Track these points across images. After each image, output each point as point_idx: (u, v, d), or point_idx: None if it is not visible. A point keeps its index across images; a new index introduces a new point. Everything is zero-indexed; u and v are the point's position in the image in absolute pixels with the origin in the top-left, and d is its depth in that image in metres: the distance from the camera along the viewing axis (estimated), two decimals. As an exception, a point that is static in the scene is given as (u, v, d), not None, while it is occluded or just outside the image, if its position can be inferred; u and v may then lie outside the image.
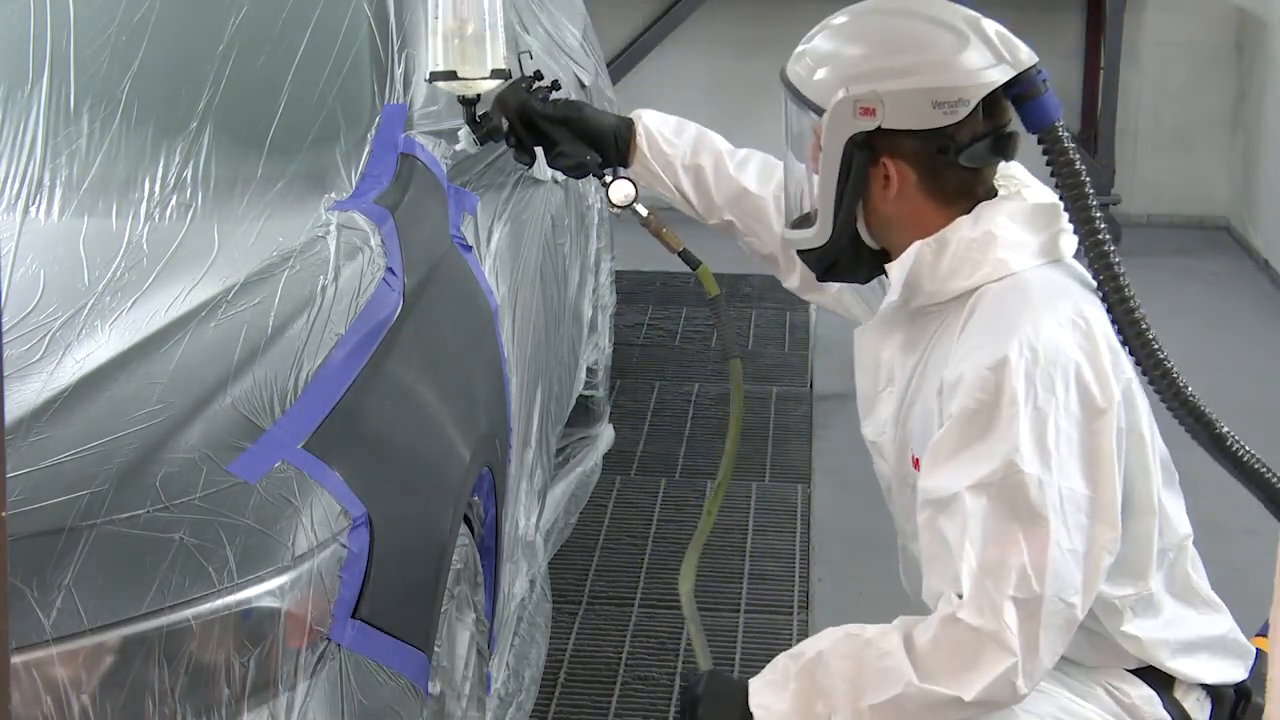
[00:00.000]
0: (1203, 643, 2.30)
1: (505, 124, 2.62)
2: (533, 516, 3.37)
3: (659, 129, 2.66)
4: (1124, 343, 2.18)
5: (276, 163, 2.79)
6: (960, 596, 2.09)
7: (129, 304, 2.37)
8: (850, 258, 2.30)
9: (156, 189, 2.73)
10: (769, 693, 2.22)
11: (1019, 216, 2.22)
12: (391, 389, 2.43)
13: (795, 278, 2.64)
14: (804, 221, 2.33)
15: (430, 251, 2.75)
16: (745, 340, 5.84)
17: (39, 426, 2.09)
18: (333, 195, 2.72)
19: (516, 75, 2.63)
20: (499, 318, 2.96)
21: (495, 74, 2.57)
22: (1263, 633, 2.39)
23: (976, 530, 2.09)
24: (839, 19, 2.29)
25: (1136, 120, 7.45)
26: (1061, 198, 2.21)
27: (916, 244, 2.22)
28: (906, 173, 2.22)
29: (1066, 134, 2.21)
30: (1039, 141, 2.22)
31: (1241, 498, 2.33)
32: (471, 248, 2.92)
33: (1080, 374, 2.12)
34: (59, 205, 2.70)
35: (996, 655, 2.07)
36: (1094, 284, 2.21)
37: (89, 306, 2.35)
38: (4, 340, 2.13)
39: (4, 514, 1.34)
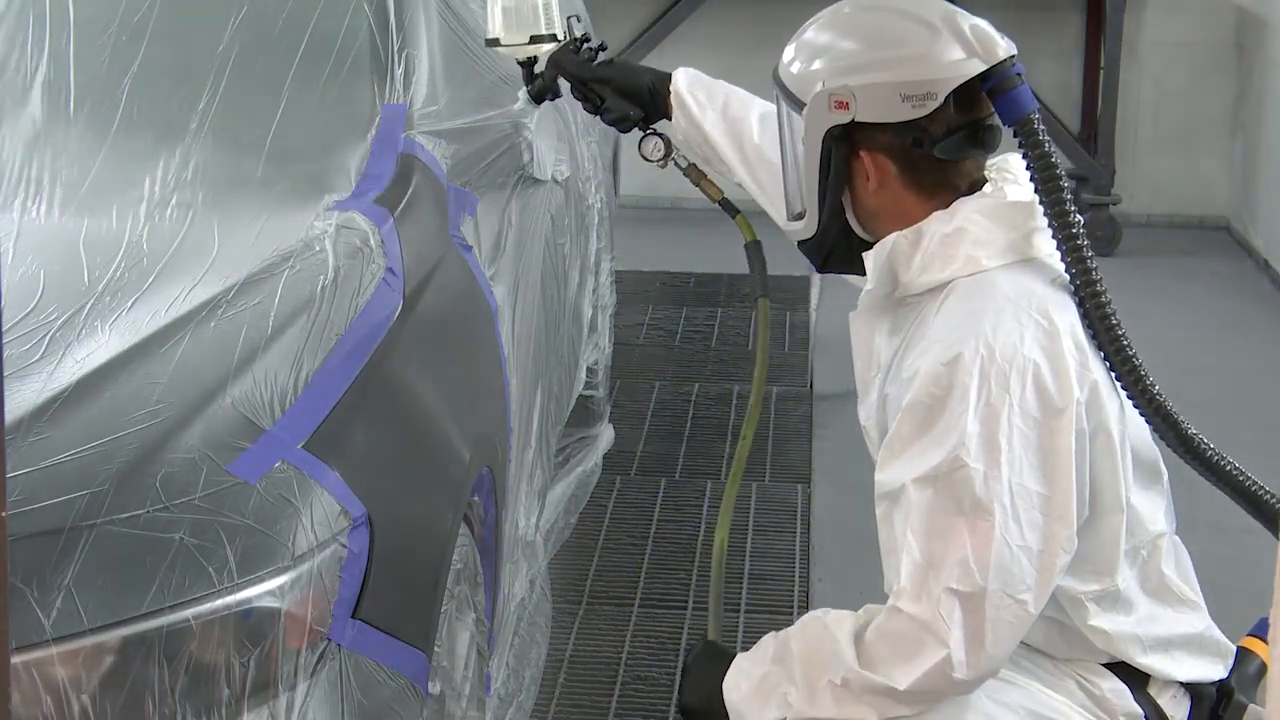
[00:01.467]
0: (1178, 640, 2.30)
1: (560, 82, 2.85)
2: (533, 516, 3.38)
3: (690, 89, 2.77)
4: (1093, 338, 2.19)
5: (276, 163, 2.79)
6: (898, 585, 2.12)
7: (129, 304, 2.37)
8: (844, 249, 2.33)
9: (156, 189, 2.73)
10: (745, 666, 2.28)
11: (992, 212, 2.23)
12: (391, 389, 2.43)
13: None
14: (800, 215, 2.37)
15: (430, 251, 2.75)
16: (745, 340, 5.84)
17: (39, 426, 2.09)
18: (333, 195, 2.72)
19: (564, 38, 2.86)
20: (499, 318, 2.96)
21: (547, 38, 2.83)
22: (1256, 633, 2.38)
23: (919, 522, 2.11)
24: (823, 15, 2.34)
25: (1136, 120, 7.45)
26: (1036, 190, 2.22)
27: (893, 235, 2.25)
28: (885, 165, 2.24)
29: (1042, 127, 2.22)
30: (1014, 135, 2.23)
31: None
32: (471, 248, 2.92)
33: (1038, 373, 2.12)
34: (59, 205, 2.70)
35: (931, 646, 2.08)
36: (1068, 283, 2.22)
37: (89, 306, 2.35)
38: (4, 340, 2.13)
39: (4, 514, 1.34)
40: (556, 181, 3.62)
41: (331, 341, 2.35)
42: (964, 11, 2.27)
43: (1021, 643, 2.19)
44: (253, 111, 2.88)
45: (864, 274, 2.37)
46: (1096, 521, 2.18)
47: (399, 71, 2.98)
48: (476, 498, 2.72)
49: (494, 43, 2.85)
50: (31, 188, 2.73)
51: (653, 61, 7.51)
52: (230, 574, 2.00)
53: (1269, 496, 2.25)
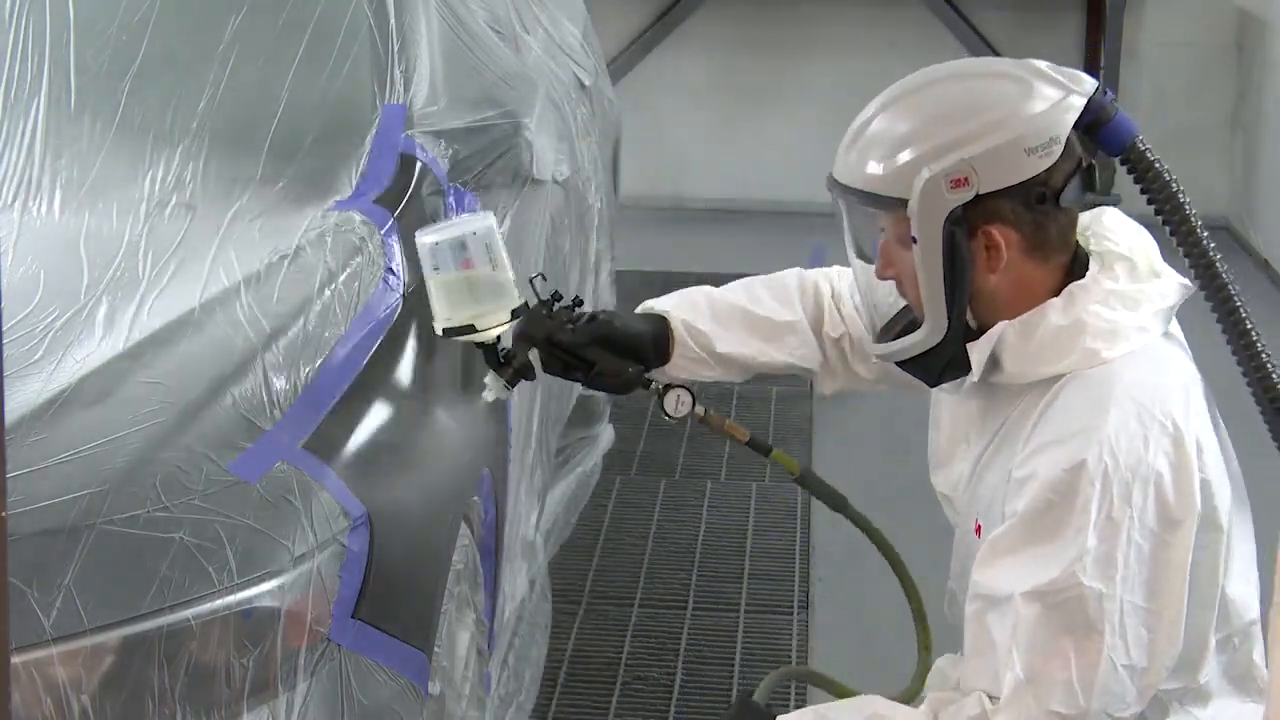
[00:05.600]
0: None
1: (534, 358, 2.40)
2: (533, 517, 3.37)
3: (690, 320, 2.47)
4: (1239, 363, 2.09)
5: (276, 163, 2.79)
6: (993, 699, 2.04)
7: (129, 304, 2.37)
8: (962, 351, 2.14)
9: (156, 189, 2.73)
10: None
11: (1112, 300, 2.11)
12: (391, 389, 2.43)
13: (836, 383, 2.54)
14: (899, 329, 2.22)
15: (430, 251, 2.75)
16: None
17: (39, 426, 2.09)
18: (333, 195, 2.72)
19: (530, 301, 2.40)
20: (499, 318, 2.96)
21: (513, 314, 2.35)
22: None
23: (1025, 637, 2.01)
24: (877, 108, 2.15)
25: (1136, 120, 7.45)
26: (1158, 212, 2.11)
27: (1001, 325, 2.11)
28: (1010, 236, 2.09)
29: (1149, 149, 2.09)
30: (1122, 163, 2.11)
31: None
32: (471, 248, 2.92)
33: (1160, 484, 2.02)
34: (59, 205, 2.70)
35: None
36: (1190, 361, 2.13)
37: (89, 306, 2.35)
38: (4, 340, 2.13)
39: (4, 514, 1.33)
40: (556, 182, 3.62)
41: (331, 341, 2.35)
42: (1023, 60, 2.15)
43: None
44: (253, 111, 2.88)
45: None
46: (1188, 619, 2.08)
47: (399, 71, 2.97)
48: (476, 498, 2.71)
49: (450, 333, 2.33)
50: (31, 187, 2.73)
51: (653, 61, 7.53)
52: (230, 574, 2.00)
53: None
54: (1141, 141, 2.10)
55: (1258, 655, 2.20)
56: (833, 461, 4.76)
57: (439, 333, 2.34)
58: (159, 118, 2.86)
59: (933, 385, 2.25)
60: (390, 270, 2.55)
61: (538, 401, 3.34)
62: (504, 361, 2.37)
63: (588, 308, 2.46)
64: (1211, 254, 2.10)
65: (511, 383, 2.38)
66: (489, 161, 3.12)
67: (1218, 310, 2.11)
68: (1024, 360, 2.11)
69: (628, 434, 4.91)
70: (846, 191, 2.14)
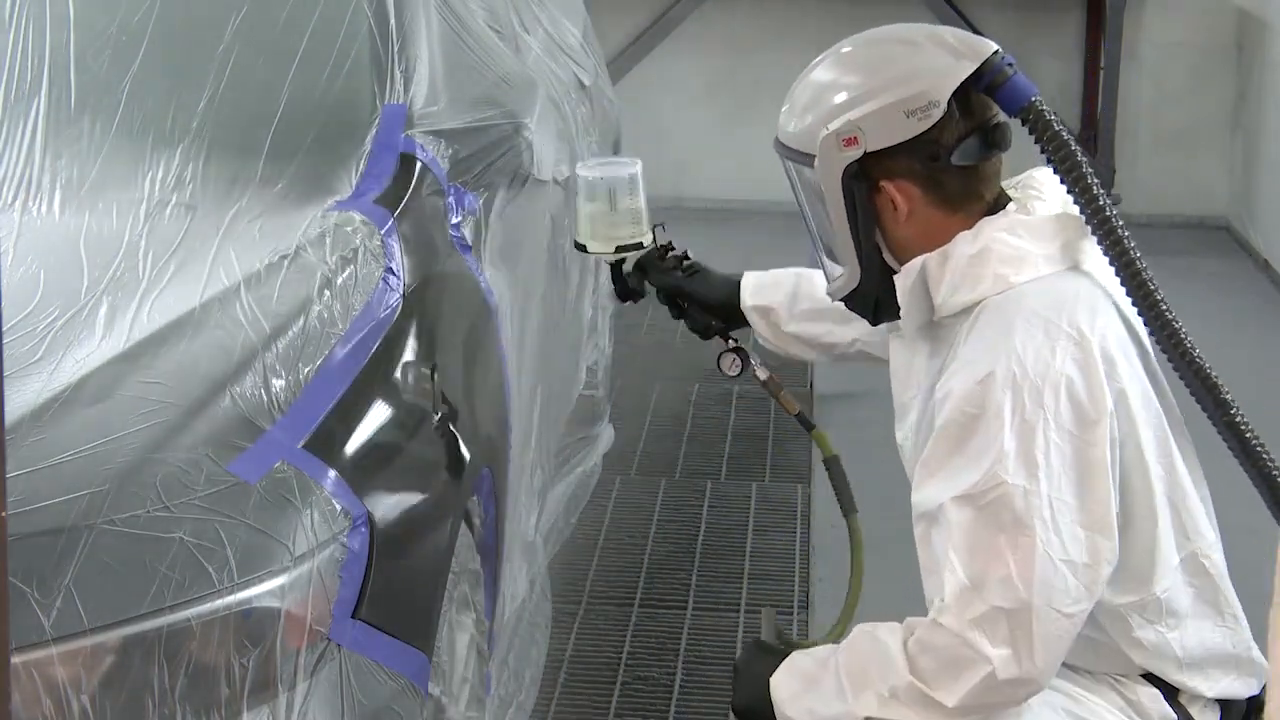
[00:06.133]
0: (1215, 659, 2.29)
1: (647, 287, 2.86)
2: (533, 517, 3.37)
3: (755, 297, 2.80)
4: (1134, 304, 2.17)
5: (276, 163, 2.79)
6: (941, 601, 2.13)
7: (129, 304, 2.37)
8: (889, 294, 2.31)
9: (156, 189, 2.73)
10: (794, 666, 2.29)
11: (1018, 229, 2.23)
12: (391, 389, 2.43)
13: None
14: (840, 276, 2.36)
15: (430, 251, 2.75)
16: (745, 340, 5.83)
17: (39, 426, 2.09)
18: (333, 195, 2.72)
19: (650, 244, 2.87)
20: (499, 318, 2.96)
21: (633, 247, 2.84)
22: None
23: (961, 540, 2.12)
24: (806, 71, 2.35)
25: (1136, 120, 7.45)
26: (1054, 169, 2.20)
27: (919, 258, 2.24)
28: (909, 190, 2.24)
29: (1047, 108, 2.21)
30: (1022, 123, 2.22)
31: (1241, 496, 2.33)
32: (471, 248, 2.92)
33: (1071, 386, 2.12)
34: (59, 205, 2.70)
35: (977, 663, 2.09)
36: (1104, 287, 2.21)
37: (89, 306, 2.35)
38: (4, 340, 2.13)
39: (4, 514, 1.34)
40: (556, 181, 3.62)
41: (331, 341, 2.35)
42: (938, 26, 2.29)
43: None
44: (253, 111, 2.88)
45: None
46: (1129, 531, 2.18)
47: (399, 71, 2.97)
48: (476, 498, 2.72)
49: (581, 248, 2.87)
50: (31, 187, 2.73)
51: (653, 61, 7.54)
52: (230, 574, 2.00)
53: None
54: (1039, 102, 2.21)
55: (1214, 578, 2.28)
56: (833, 461, 4.76)
57: (574, 246, 2.88)
58: (159, 118, 2.86)
59: (873, 324, 2.41)
60: (390, 270, 2.55)
61: (538, 401, 3.34)
62: (622, 279, 2.87)
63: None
64: (1107, 208, 2.19)
65: (623, 297, 2.89)
66: (489, 161, 3.12)
67: (1115, 264, 2.18)
68: (946, 290, 2.23)
69: (628, 434, 4.91)
70: (776, 146, 2.35)
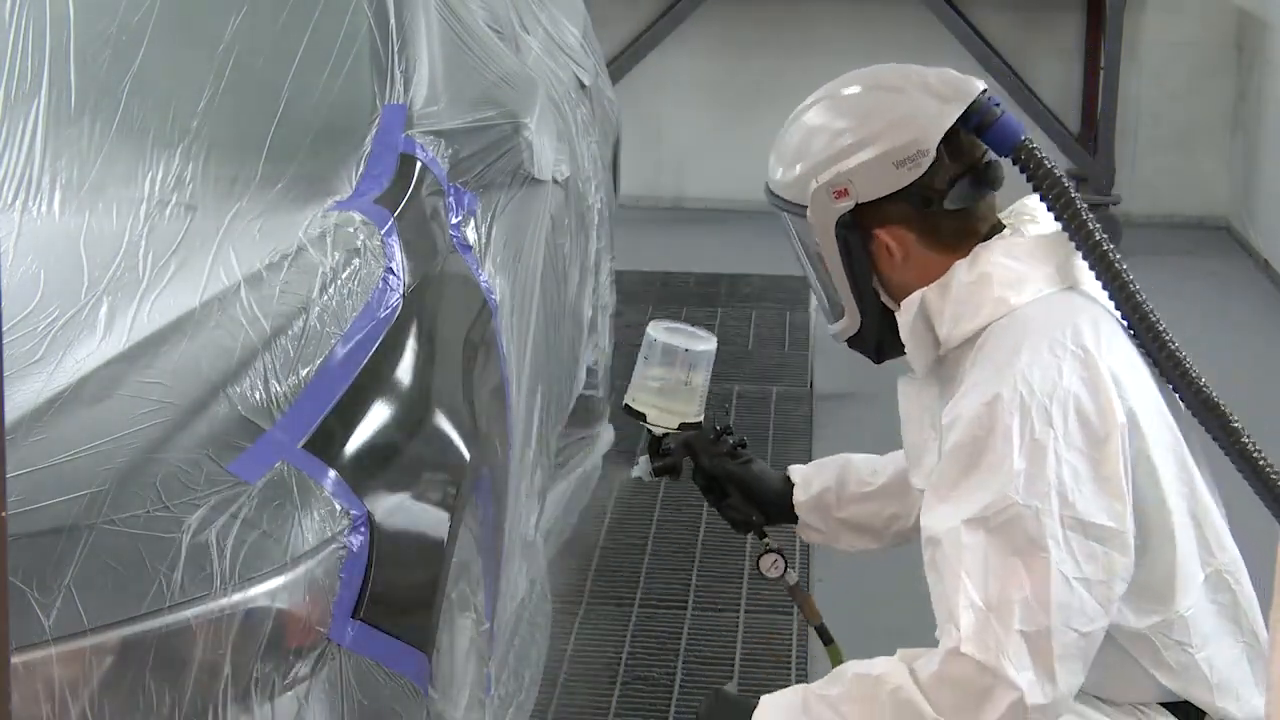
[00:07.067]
0: (1244, 679, 2.25)
1: (685, 466, 2.73)
2: (533, 517, 3.37)
3: (807, 490, 2.70)
4: (1134, 336, 2.18)
5: (276, 163, 2.79)
6: (958, 630, 2.07)
7: (129, 304, 2.37)
8: (891, 334, 2.31)
9: (156, 189, 2.73)
10: (778, 706, 2.22)
11: (1015, 252, 2.22)
12: (391, 389, 2.43)
13: None
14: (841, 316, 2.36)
15: (430, 251, 2.75)
16: (745, 340, 5.83)
17: (39, 426, 2.09)
18: (333, 195, 2.72)
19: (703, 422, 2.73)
20: (499, 318, 2.96)
21: (693, 425, 2.70)
22: None
23: (976, 565, 2.08)
24: (793, 117, 2.34)
25: (1136, 120, 7.45)
26: (1050, 208, 2.21)
27: (918, 292, 2.23)
28: (904, 235, 2.24)
29: (1037, 148, 2.22)
30: (1014, 163, 2.22)
31: (1240, 497, 2.33)
32: (471, 248, 2.92)
33: (1079, 404, 2.11)
34: (59, 205, 2.70)
35: (1003, 691, 2.04)
36: (1105, 305, 2.21)
37: (89, 306, 2.35)
38: (4, 340, 2.13)
39: (4, 514, 1.34)
40: (556, 181, 3.62)
41: (331, 341, 2.35)
42: (921, 66, 2.28)
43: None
44: (253, 111, 2.88)
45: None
46: (1147, 551, 2.15)
47: (399, 71, 2.98)
48: (476, 498, 2.71)
49: (639, 416, 2.71)
50: (31, 187, 2.73)
51: (653, 61, 7.53)
52: (230, 574, 2.00)
53: None
54: (1029, 140, 2.21)
55: (1238, 597, 2.25)
56: (833, 461, 4.75)
57: (624, 410, 2.72)
58: (159, 118, 2.86)
59: (877, 362, 2.41)
60: (390, 270, 2.55)
61: (538, 402, 3.34)
62: (661, 453, 2.72)
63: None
64: (1105, 243, 2.19)
65: (659, 473, 2.73)
66: (489, 161, 3.13)
67: (1114, 296, 2.19)
68: (949, 321, 2.22)
69: (628, 434, 4.90)
70: (767, 194, 2.35)
